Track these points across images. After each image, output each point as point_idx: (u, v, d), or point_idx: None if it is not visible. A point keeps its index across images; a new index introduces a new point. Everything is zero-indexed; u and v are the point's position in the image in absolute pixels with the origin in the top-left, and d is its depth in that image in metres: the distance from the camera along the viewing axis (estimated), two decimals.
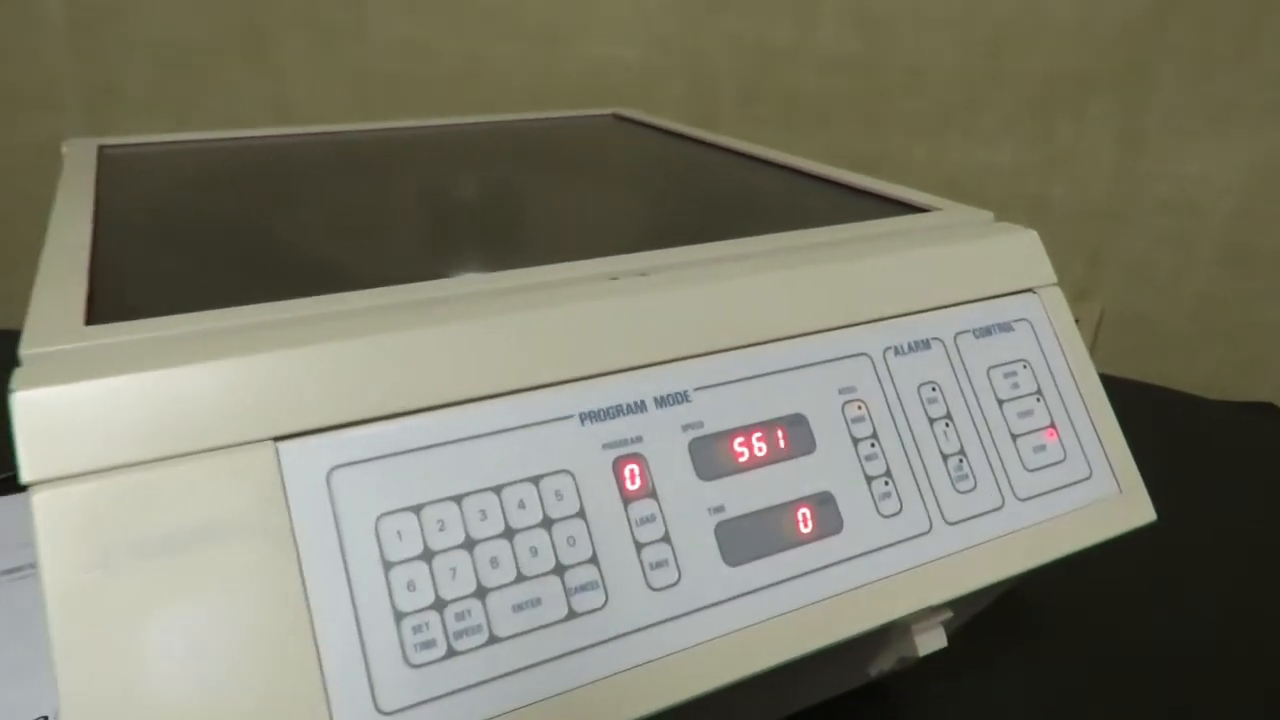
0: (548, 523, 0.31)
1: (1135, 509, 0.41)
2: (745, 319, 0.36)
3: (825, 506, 0.35)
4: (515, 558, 0.30)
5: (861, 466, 0.36)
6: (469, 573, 0.29)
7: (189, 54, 0.77)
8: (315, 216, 0.47)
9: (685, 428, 0.34)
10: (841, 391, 0.37)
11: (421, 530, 0.29)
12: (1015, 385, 0.40)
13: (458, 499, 0.30)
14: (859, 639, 0.35)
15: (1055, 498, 0.39)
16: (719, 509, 0.33)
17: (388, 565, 0.28)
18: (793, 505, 0.35)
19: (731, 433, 0.34)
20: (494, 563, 0.30)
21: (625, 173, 0.60)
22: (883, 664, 0.43)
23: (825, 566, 0.34)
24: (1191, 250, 0.89)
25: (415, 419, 0.30)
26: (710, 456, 0.34)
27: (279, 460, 0.28)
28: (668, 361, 0.34)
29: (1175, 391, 0.86)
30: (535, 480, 0.31)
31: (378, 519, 0.29)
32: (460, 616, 0.29)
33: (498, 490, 0.30)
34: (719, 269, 0.38)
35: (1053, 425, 0.41)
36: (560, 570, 0.30)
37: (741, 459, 0.34)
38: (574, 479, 0.31)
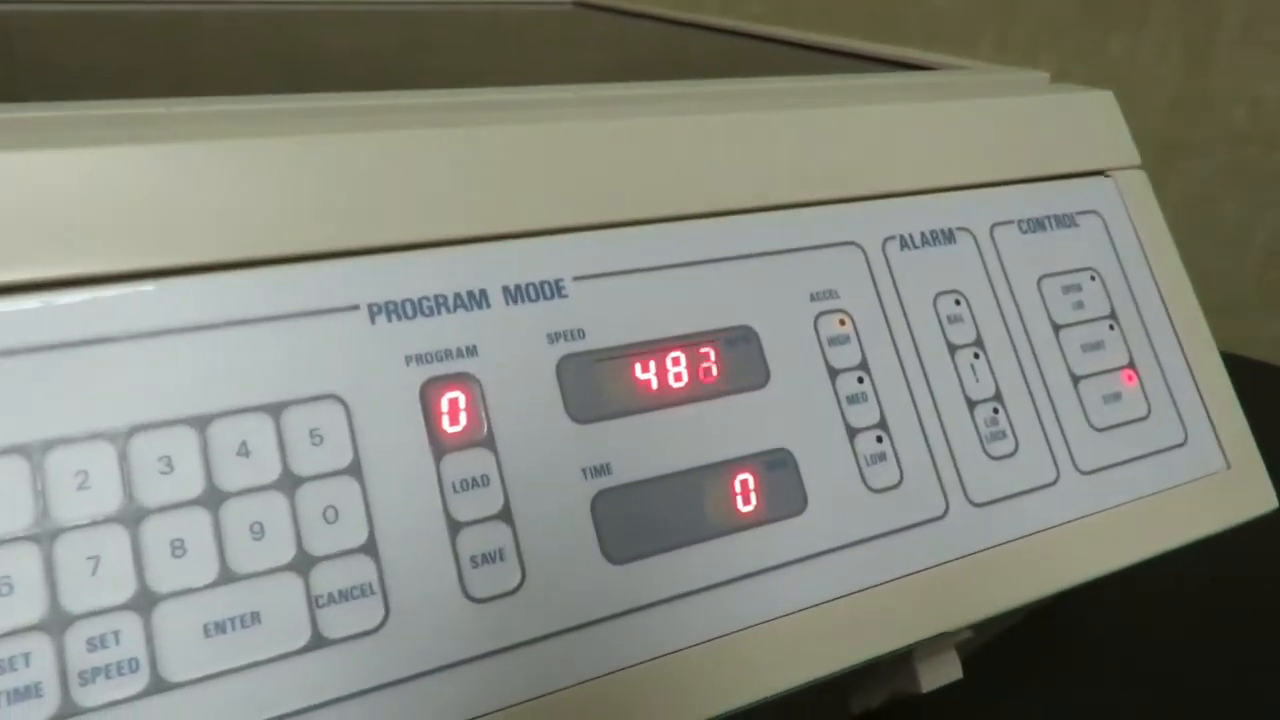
0: (290, 483, 0.18)
1: (1249, 492, 0.28)
2: (665, 176, 0.23)
3: (779, 472, 0.22)
4: (220, 542, 0.17)
5: (841, 412, 0.23)
6: (125, 566, 0.17)
7: None
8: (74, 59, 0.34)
9: (553, 338, 0.21)
10: (815, 297, 0.24)
11: (42, 489, 0.16)
12: (1079, 305, 0.27)
13: (117, 438, 0.17)
14: (829, 679, 0.22)
15: (1134, 471, 0.26)
16: (601, 470, 0.20)
17: None
18: (725, 469, 0.22)
19: (630, 350, 0.21)
20: (177, 549, 0.17)
21: (565, 45, 0.47)
22: (869, 701, 0.31)
23: (775, 568, 0.22)
24: (1265, 190, 0.79)
25: (44, 297, 0.17)
26: (592, 386, 0.21)
27: None
28: (532, 234, 0.21)
29: (1238, 357, 0.74)
30: (274, 411, 0.18)
31: None
32: (97, 644, 0.16)
33: (200, 425, 0.18)
34: (631, 107, 0.25)
35: (1131, 365, 0.27)
36: (304, 565, 0.18)
37: (646, 392, 0.21)
38: (347, 410, 0.19)
